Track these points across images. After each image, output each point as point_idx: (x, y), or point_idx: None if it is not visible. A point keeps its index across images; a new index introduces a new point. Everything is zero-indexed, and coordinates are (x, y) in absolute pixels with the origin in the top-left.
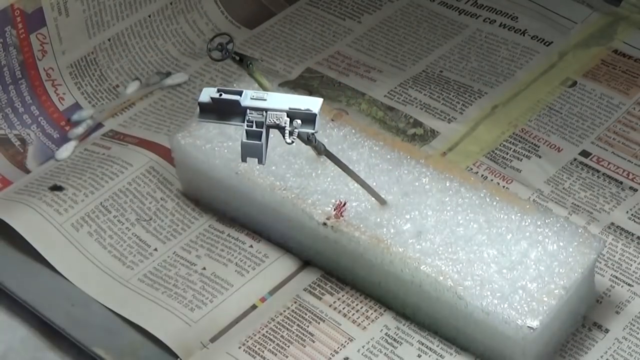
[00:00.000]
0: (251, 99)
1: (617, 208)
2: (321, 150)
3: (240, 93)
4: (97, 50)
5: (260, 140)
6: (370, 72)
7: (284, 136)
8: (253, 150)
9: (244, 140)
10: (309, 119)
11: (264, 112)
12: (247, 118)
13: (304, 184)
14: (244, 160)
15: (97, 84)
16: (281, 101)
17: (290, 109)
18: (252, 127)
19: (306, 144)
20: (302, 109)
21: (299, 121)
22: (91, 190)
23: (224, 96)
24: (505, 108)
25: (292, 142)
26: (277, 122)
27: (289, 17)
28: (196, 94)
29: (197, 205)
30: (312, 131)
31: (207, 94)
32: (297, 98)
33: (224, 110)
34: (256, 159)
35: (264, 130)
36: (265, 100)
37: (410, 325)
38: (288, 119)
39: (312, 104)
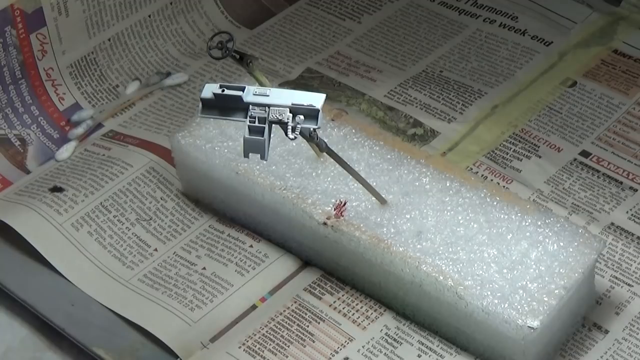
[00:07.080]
0: (254, 94)
1: (617, 208)
2: (322, 148)
3: (242, 89)
4: (97, 50)
5: (262, 136)
6: (370, 72)
7: (286, 132)
8: (256, 145)
9: (247, 136)
10: (311, 114)
11: (267, 107)
12: (249, 114)
13: (304, 184)
14: (246, 156)
15: (97, 84)
16: (284, 97)
17: (292, 104)
18: (254, 122)
19: (308, 140)
20: (305, 104)
21: (301, 117)
22: (91, 190)
23: (227, 92)
24: (505, 108)
25: (295, 137)
26: (280, 118)
27: (289, 17)
28: (196, 94)
29: (197, 205)
30: (315, 127)
31: (210, 89)
32: (300, 94)
33: (226, 106)
34: (259, 155)
35: (266, 126)
36: (267, 96)
37: (410, 325)
38: (290, 115)
39: (315, 99)
